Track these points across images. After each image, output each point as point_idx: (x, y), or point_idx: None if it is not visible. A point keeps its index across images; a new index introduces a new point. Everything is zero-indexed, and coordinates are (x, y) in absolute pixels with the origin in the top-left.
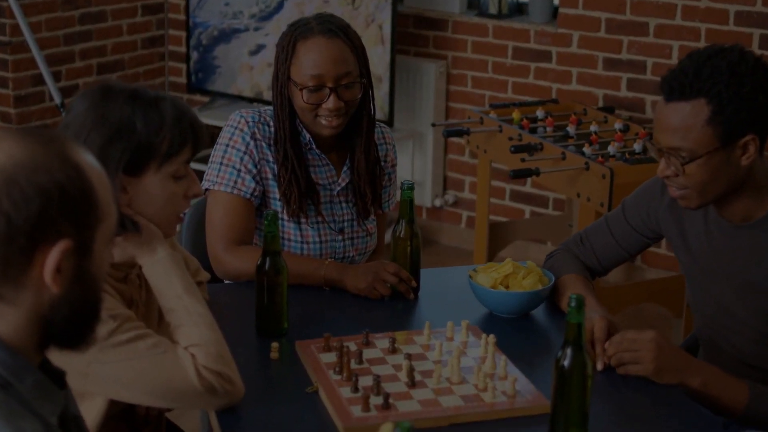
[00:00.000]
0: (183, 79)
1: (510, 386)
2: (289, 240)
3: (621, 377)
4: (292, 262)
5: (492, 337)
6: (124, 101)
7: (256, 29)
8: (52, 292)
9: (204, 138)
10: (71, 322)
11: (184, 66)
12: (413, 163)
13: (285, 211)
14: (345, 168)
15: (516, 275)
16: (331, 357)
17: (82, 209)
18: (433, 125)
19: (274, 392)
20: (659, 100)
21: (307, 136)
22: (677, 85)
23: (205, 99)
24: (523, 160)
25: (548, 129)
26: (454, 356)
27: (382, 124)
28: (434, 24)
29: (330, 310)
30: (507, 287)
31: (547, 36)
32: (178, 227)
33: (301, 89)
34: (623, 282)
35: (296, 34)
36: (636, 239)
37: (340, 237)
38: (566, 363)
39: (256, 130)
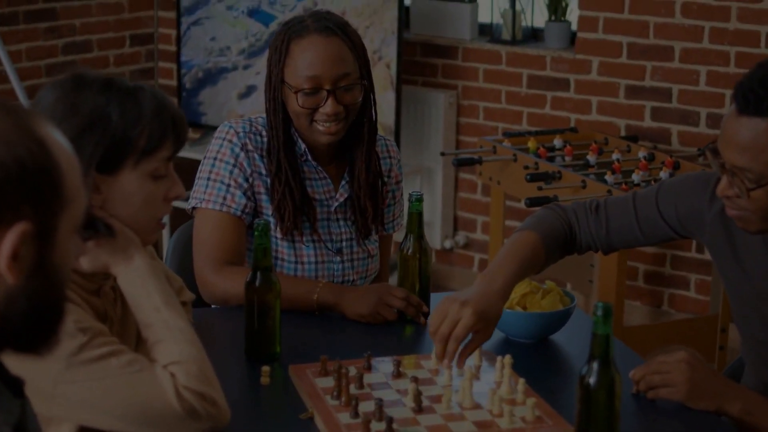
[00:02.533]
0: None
1: (529, 411)
2: (282, 260)
3: (652, 400)
4: (282, 284)
5: (508, 358)
6: (98, 91)
7: (246, 67)
8: (8, 282)
9: (186, 134)
10: (30, 320)
11: (175, 100)
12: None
13: (278, 228)
14: (343, 182)
15: (534, 295)
16: (328, 381)
17: (45, 190)
18: (443, 154)
19: (265, 419)
20: (730, 109)
21: (303, 145)
22: (754, 97)
23: (196, 135)
24: (539, 188)
25: (567, 158)
26: (465, 379)
27: (387, 137)
28: (443, 51)
29: (327, 334)
30: (524, 308)
31: (564, 62)
32: (158, 234)
33: (295, 92)
34: (649, 323)
35: (290, 32)
36: (660, 229)
37: (338, 258)
38: (592, 380)
39: (248, 141)
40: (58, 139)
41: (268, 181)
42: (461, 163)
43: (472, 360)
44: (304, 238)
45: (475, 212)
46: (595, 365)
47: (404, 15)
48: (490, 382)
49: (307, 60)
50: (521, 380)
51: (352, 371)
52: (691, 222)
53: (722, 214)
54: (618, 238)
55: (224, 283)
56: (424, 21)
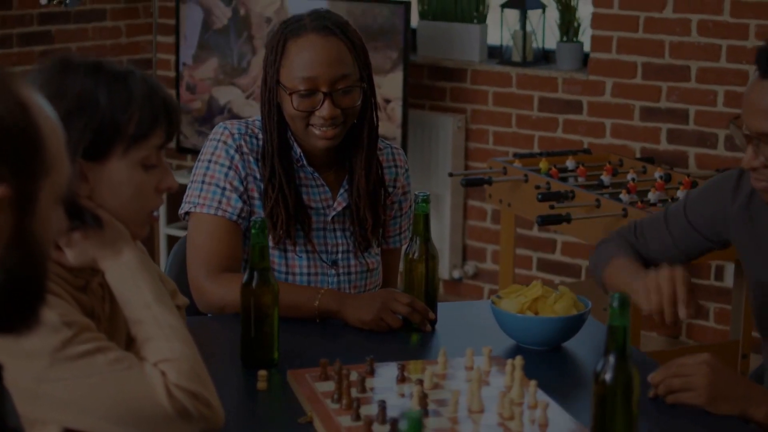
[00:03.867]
0: (172, 144)
1: (541, 414)
2: (273, 270)
3: (673, 404)
4: (280, 291)
5: (519, 359)
6: (86, 73)
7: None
8: None
9: (179, 122)
10: (7, 294)
11: None
12: None
13: (270, 237)
14: (342, 190)
15: (546, 299)
16: (328, 386)
17: (25, 152)
18: (451, 175)
19: (262, 424)
20: (753, 76)
21: (298, 150)
22: None
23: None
24: (552, 207)
25: (580, 179)
26: (474, 382)
27: (395, 146)
28: (451, 74)
29: (328, 340)
30: (536, 313)
31: (576, 84)
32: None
33: (290, 93)
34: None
35: (287, 32)
36: (696, 240)
37: (333, 271)
38: (608, 376)
39: (243, 143)
40: (41, 104)
41: (262, 186)
42: (470, 183)
43: (481, 365)
44: (297, 248)
45: (485, 241)
46: (611, 359)
47: (410, 37)
48: (499, 386)
49: (303, 60)
50: (533, 382)
51: (354, 376)
52: (719, 222)
53: (746, 206)
54: (655, 252)
55: (219, 291)
56: (431, 43)
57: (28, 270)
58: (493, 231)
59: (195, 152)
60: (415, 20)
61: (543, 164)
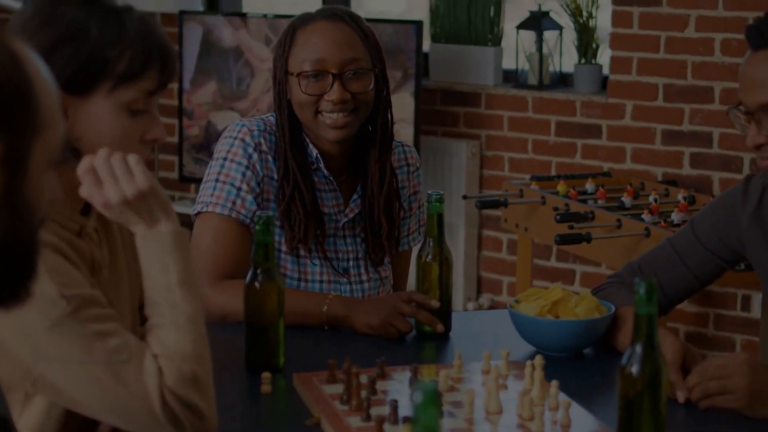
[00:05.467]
0: (174, 174)
1: (563, 414)
2: (285, 276)
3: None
4: (287, 298)
5: (539, 359)
6: (80, 5)
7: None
8: None
9: (175, 69)
10: None
11: (175, 158)
12: None
13: (284, 241)
14: (355, 196)
15: (567, 302)
16: (337, 389)
17: (17, 107)
18: (465, 197)
19: (266, 427)
20: (746, 55)
21: (314, 152)
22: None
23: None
24: (571, 227)
25: (600, 201)
26: (491, 381)
27: (406, 144)
28: (465, 99)
29: (336, 345)
30: (556, 317)
31: (595, 107)
32: None
33: (298, 75)
34: None
35: (295, 24)
36: (709, 263)
37: (344, 279)
38: (635, 368)
39: (262, 140)
40: (35, 60)
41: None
42: (485, 206)
43: (500, 368)
44: (312, 254)
45: (500, 272)
46: (637, 350)
47: (423, 61)
48: (519, 390)
49: (311, 44)
50: (554, 382)
51: (364, 378)
52: (732, 236)
53: (757, 213)
54: (675, 293)
55: (222, 298)
56: (444, 67)
57: (18, 237)
58: (509, 262)
59: (197, 181)
60: (426, 44)
61: (561, 187)
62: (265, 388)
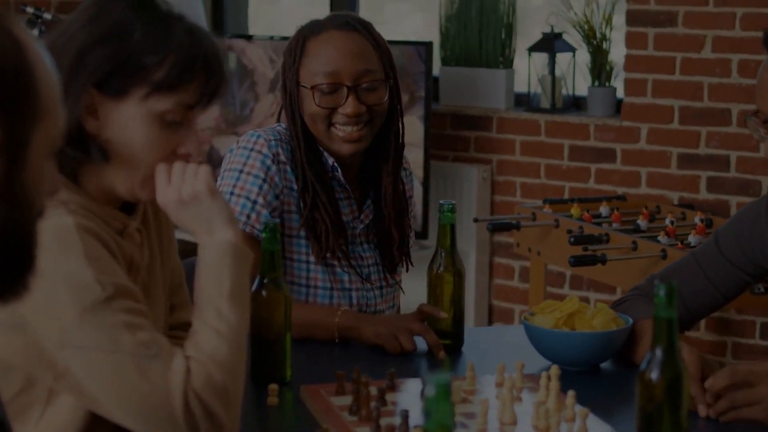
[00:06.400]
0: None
1: (581, 424)
2: (316, 287)
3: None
4: (297, 311)
5: (555, 369)
6: (130, 7)
7: None
8: None
9: (220, 85)
10: None
11: None
12: None
13: (310, 252)
14: (368, 202)
15: (583, 314)
16: (346, 400)
17: (17, 92)
18: (476, 220)
19: None
20: (763, 62)
21: (331, 160)
22: None
23: None
24: (585, 249)
25: (615, 225)
26: (506, 391)
27: None
28: (475, 123)
29: (344, 359)
30: (572, 329)
31: (609, 131)
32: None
33: (312, 88)
34: None
35: (306, 32)
36: (734, 277)
37: (368, 285)
38: (654, 374)
39: (279, 150)
40: (36, 45)
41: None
42: (496, 228)
43: (514, 380)
44: (341, 262)
45: (513, 301)
46: (657, 354)
47: (432, 85)
48: (534, 402)
49: (324, 55)
50: (571, 392)
51: (374, 390)
52: (756, 249)
53: None
54: (698, 309)
55: None
56: (454, 90)
57: (16, 226)
58: (521, 290)
59: None
60: (435, 66)
61: (575, 210)
62: (272, 400)
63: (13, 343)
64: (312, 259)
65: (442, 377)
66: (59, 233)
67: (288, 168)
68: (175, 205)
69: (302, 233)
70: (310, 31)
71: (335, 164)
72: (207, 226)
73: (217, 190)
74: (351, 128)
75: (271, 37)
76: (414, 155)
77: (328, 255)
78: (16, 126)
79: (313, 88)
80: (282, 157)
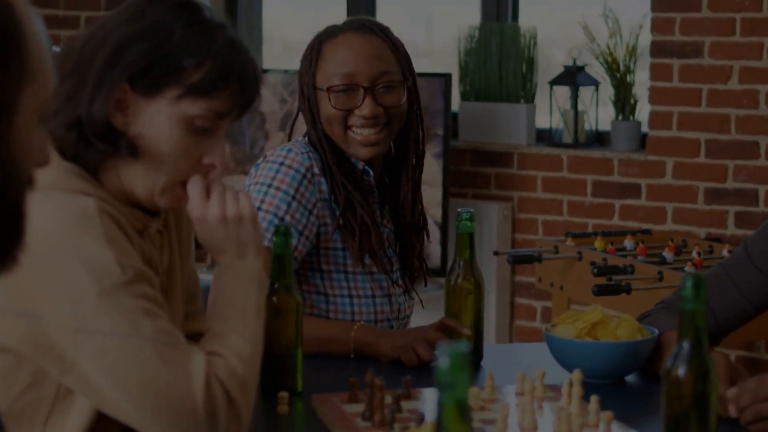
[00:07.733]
0: None
1: (605, 428)
2: (359, 296)
3: None
4: (312, 326)
5: (577, 374)
6: (172, 8)
7: None
8: None
9: (253, 97)
10: None
11: None
12: None
13: (348, 256)
14: (386, 207)
15: (607, 324)
16: (359, 407)
17: (4, 51)
18: (496, 253)
19: None
20: None
21: (361, 163)
22: None
23: None
24: (609, 279)
25: (640, 258)
26: (526, 396)
27: None
28: (496, 159)
29: (358, 370)
30: (596, 339)
31: (634, 166)
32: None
33: (327, 89)
34: None
35: (322, 37)
36: (766, 288)
37: (399, 290)
38: (681, 370)
39: (313, 163)
40: (27, 8)
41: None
42: (517, 261)
43: (535, 391)
44: (382, 260)
45: (534, 341)
46: (684, 349)
47: (451, 121)
48: (556, 409)
49: (340, 57)
50: (594, 397)
51: (389, 399)
52: None
53: None
54: (728, 321)
55: None
56: (473, 126)
57: (3, 193)
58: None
59: None
60: (455, 102)
61: (598, 243)
62: (282, 408)
63: (19, 331)
64: (350, 268)
65: (456, 347)
66: (79, 214)
67: (322, 179)
68: (215, 222)
69: (339, 244)
70: (327, 35)
71: (366, 167)
72: (239, 250)
73: (257, 219)
74: (368, 131)
75: (286, 71)
76: (431, 192)
77: (369, 253)
78: (3, 86)
79: (328, 90)
80: (316, 169)
